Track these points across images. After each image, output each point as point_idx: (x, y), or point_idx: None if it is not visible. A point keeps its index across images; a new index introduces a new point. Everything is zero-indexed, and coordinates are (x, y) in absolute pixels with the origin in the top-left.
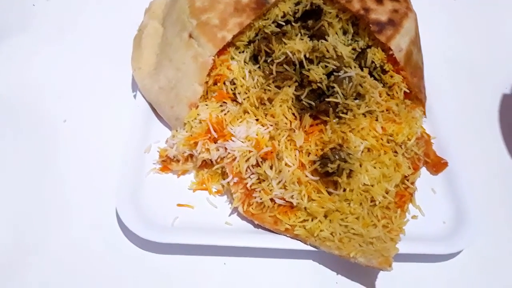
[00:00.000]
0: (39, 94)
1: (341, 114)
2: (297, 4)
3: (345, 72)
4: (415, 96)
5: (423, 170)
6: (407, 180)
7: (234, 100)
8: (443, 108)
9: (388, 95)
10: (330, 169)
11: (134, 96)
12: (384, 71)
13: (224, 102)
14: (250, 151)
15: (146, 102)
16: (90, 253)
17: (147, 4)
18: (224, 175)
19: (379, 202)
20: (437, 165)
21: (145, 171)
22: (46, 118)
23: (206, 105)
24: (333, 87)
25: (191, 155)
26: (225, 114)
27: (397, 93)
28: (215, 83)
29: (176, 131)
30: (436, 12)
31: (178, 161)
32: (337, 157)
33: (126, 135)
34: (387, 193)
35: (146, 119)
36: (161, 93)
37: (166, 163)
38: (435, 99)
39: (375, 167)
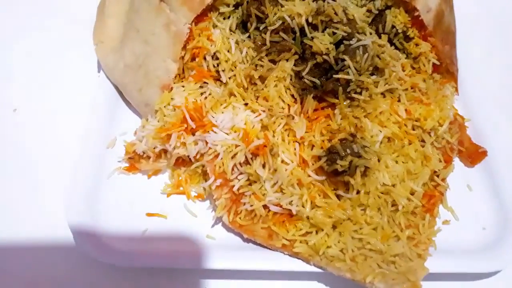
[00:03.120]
0: None
1: (353, 95)
2: None
3: (358, 40)
4: (446, 68)
5: (456, 162)
6: (437, 176)
7: (217, 79)
8: (479, 83)
9: (413, 68)
10: (339, 167)
11: (98, 77)
12: (408, 38)
13: (205, 83)
14: (236, 145)
15: (111, 84)
16: (40, 270)
17: None
18: (205, 175)
19: (403, 207)
20: (474, 154)
21: (107, 171)
22: None
23: (182, 86)
24: (343, 60)
25: (165, 151)
26: (205, 97)
27: (424, 65)
28: (193, 59)
29: (147, 120)
30: None
31: (148, 158)
32: (348, 151)
33: (85, 125)
34: (412, 194)
35: (111, 106)
36: (127, 73)
37: (134, 160)
38: (468, 71)
39: (397, 162)
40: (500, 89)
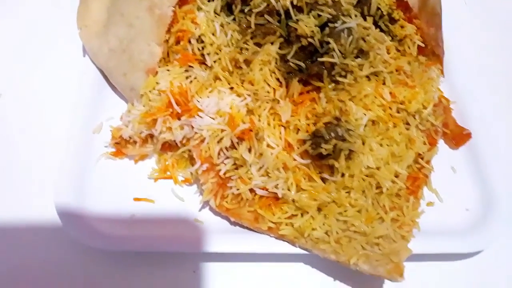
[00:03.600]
0: None
1: (338, 78)
2: None
3: (343, 22)
4: (431, 51)
5: (441, 144)
6: (422, 159)
7: (203, 63)
8: (464, 65)
9: (398, 51)
10: (324, 151)
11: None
12: (393, 20)
13: (190, 66)
14: (222, 130)
15: (96, 69)
16: (27, 254)
17: None
18: (192, 159)
19: (387, 189)
20: (458, 136)
21: (94, 157)
22: None
23: (168, 70)
24: (328, 43)
25: (151, 135)
26: (190, 81)
27: (409, 48)
28: (177, 42)
29: (132, 104)
30: None
31: (134, 143)
32: (333, 134)
33: (71, 111)
34: (397, 176)
35: (97, 90)
36: (112, 57)
37: (120, 146)
38: (454, 53)
39: (381, 145)
40: (485, 71)
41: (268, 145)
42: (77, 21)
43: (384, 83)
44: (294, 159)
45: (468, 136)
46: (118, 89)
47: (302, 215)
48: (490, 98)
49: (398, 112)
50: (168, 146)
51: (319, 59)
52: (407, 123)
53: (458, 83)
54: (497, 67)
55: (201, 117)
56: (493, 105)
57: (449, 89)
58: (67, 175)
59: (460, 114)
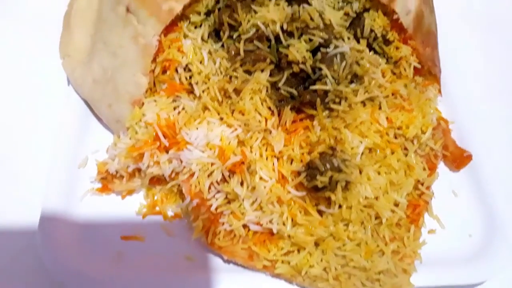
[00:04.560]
0: None
1: (332, 105)
2: None
3: (336, 46)
4: (428, 70)
5: (441, 166)
6: (421, 185)
7: (191, 92)
8: (462, 83)
9: (394, 73)
10: (320, 183)
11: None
12: (388, 42)
13: (178, 96)
14: (212, 163)
15: (80, 99)
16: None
17: None
18: (182, 193)
19: (387, 219)
20: (458, 159)
21: (79, 193)
22: None
23: (154, 101)
24: (321, 69)
25: (138, 169)
26: (178, 112)
27: (405, 70)
28: (164, 71)
29: (118, 137)
30: None
31: (122, 177)
32: (328, 166)
33: (54, 144)
34: (396, 205)
35: (81, 121)
36: (96, 88)
37: (107, 181)
38: (451, 71)
39: (379, 173)
40: (484, 89)
41: (261, 178)
42: (59, 50)
43: (380, 108)
44: (289, 192)
45: (469, 158)
46: (103, 120)
47: (298, 251)
48: (490, 117)
49: (395, 137)
50: (157, 180)
51: (312, 87)
52: (406, 149)
53: (456, 102)
54: (496, 84)
55: (190, 150)
56: (493, 124)
57: (448, 108)
58: (52, 213)
59: (459, 135)
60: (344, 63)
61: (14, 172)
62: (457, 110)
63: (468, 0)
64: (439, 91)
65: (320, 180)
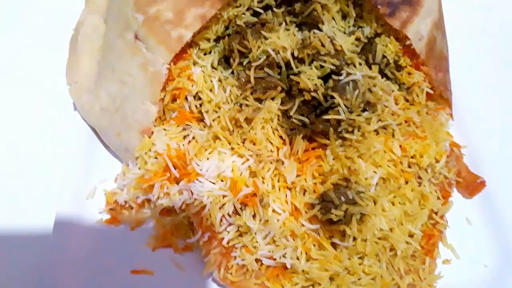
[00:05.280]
0: None
1: (345, 134)
2: None
3: (348, 74)
4: (439, 94)
5: (454, 192)
6: (436, 214)
7: (201, 120)
8: (473, 106)
9: (407, 100)
10: (334, 217)
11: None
12: (399, 67)
13: (188, 125)
14: (224, 196)
15: (88, 126)
16: None
17: None
18: (192, 225)
19: (402, 251)
20: (471, 185)
21: (86, 224)
22: None
23: (164, 129)
24: (333, 97)
25: (148, 200)
26: (189, 142)
27: (417, 96)
28: (173, 99)
29: (127, 166)
30: None
31: (131, 208)
32: (343, 198)
33: (61, 173)
34: (411, 236)
35: (88, 149)
36: (104, 116)
37: (115, 212)
38: (461, 93)
39: (393, 203)
40: (497, 112)
41: (274, 211)
42: (66, 76)
43: (393, 135)
44: (302, 225)
45: (482, 184)
46: (111, 148)
47: (313, 286)
48: (503, 141)
49: (409, 166)
50: (167, 211)
51: (325, 117)
52: (419, 177)
53: (468, 125)
54: (509, 106)
55: (201, 182)
56: (506, 148)
57: (459, 131)
58: (59, 246)
59: (472, 159)
60: (357, 92)
61: (19, 203)
62: (469, 133)
63: (479, 21)
64: (451, 115)
65: (335, 214)
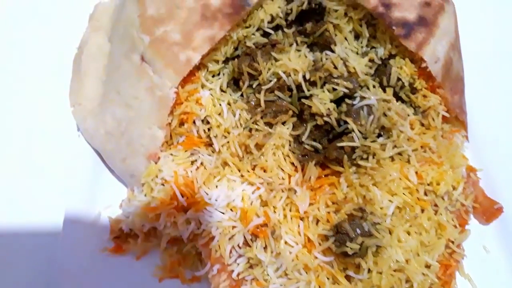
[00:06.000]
0: None
1: (360, 162)
2: (289, 1)
3: (362, 98)
4: (455, 117)
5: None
6: (452, 243)
7: (210, 144)
8: (488, 127)
9: (422, 124)
10: (350, 250)
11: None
12: (414, 90)
13: (196, 150)
14: (234, 227)
15: (92, 149)
16: None
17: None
18: (200, 255)
19: (418, 284)
20: (488, 211)
21: (90, 253)
22: None
23: (171, 154)
24: (346, 122)
25: (154, 228)
26: (197, 168)
27: (433, 120)
28: (181, 123)
29: (133, 192)
30: None
31: (136, 236)
32: (359, 231)
33: (65, 199)
34: (427, 267)
35: (92, 173)
36: (109, 140)
37: (120, 240)
38: (476, 114)
39: (409, 233)
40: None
41: (285, 242)
42: (70, 97)
43: (408, 161)
44: (316, 257)
45: (499, 211)
46: (116, 173)
47: None
48: None
49: (425, 194)
50: (174, 240)
51: (339, 144)
52: (435, 205)
53: (483, 147)
54: None
55: (209, 211)
56: None
57: (474, 153)
58: (63, 277)
59: (488, 182)
60: (371, 117)
61: (20, 230)
62: (485, 155)
63: (494, 40)
64: (466, 137)
65: (350, 247)
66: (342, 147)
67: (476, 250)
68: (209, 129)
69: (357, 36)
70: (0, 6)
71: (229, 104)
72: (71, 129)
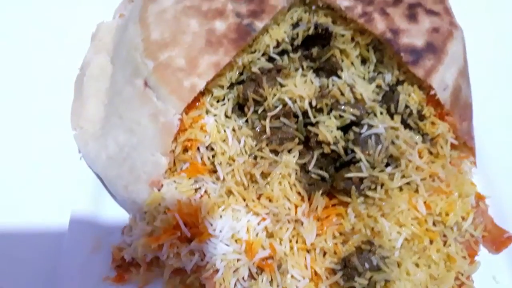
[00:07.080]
0: None
1: (367, 192)
2: (295, 26)
3: (370, 126)
4: (464, 143)
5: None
6: (462, 274)
7: (214, 171)
8: (497, 151)
9: (431, 153)
10: (358, 285)
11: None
12: (423, 117)
13: (200, 177)
14: (238, 259)
15: (93, 173)
16: None
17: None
18: (204, 286)
19: None
20: (498, 240)
21: (91, 282)
22: None
23: (175, 181)
24: (353, 150)
25: (157, 257)
26: (201, 196)
27: (442, 147)
28: (185, 150)
29: (135, 219)
30: (477, 12)
31: (139, 265)
32: (367, 265)
33: (65, 225)
34: None
35: (93, 198)
36: (111, 166)
37: (122, 269)
38: (484, 139)
39: (418, 265)
40: None
41: (292, 276)
42: (71, 120)
43: (417, 191)
44: None
45: (509, 240)
46: (117, 198)
47: None
48: None
49: (434, 225)
50: (177, 271)
51: (347, 175)
52: (444, 235)
53: (491, 172)
54: None
55: (214, 243)
56: None
57: (483, 179)
58: None
59: (497, 210)
60: (380, 147)
61: (21, 255)
62: (493, 180)
63: (501, 63)
64: (474, 163)
65: (358, 282)
66: (350, 178)
67: (485, 281)
68: (213, 156)
69: (363, 61)
70: (1, 24)
71: (233, 130)
72: (73, 152)
